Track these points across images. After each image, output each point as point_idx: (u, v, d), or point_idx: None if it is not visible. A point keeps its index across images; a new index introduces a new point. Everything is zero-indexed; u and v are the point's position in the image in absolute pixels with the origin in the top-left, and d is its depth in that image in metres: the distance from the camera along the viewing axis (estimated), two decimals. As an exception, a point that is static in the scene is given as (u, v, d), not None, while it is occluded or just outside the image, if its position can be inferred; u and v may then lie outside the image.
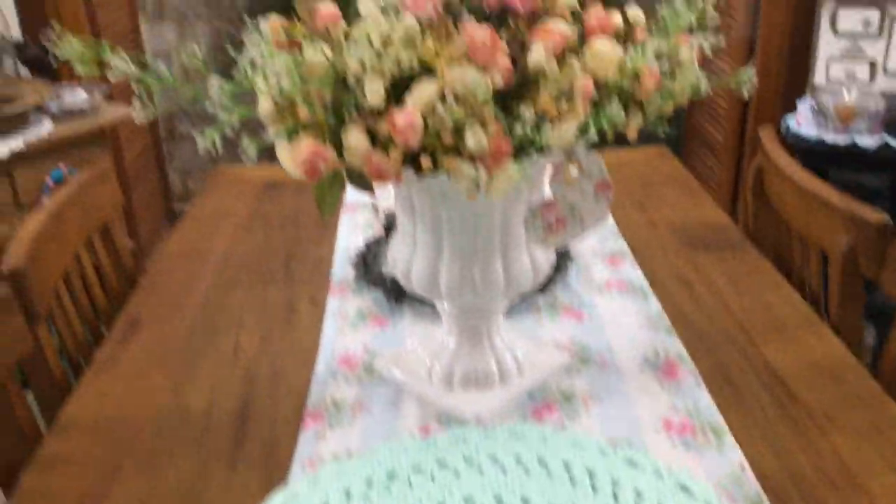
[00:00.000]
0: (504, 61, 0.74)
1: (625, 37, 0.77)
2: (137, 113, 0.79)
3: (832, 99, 2.13)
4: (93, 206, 1.38)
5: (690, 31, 0.80)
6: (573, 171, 0.84)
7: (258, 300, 1.26)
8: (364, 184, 0.84)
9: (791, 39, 2.53)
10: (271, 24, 0.88)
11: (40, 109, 2.16)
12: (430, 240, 0.90)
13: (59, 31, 0.78)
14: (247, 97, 0.81)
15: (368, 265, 1.30)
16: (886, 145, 2.08)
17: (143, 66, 0.80)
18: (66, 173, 2.07)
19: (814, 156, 2.13)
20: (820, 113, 2.17)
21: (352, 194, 1.68)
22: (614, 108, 0.75)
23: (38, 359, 1.11)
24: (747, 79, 0.86)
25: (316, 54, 0.75)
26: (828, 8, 2.25)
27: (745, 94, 0.87)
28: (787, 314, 1.17)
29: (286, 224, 1.54)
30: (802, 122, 2.21)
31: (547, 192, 0.88)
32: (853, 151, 2.10)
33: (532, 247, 0.92)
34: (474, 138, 0.70)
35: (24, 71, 2.35)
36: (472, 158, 0.72)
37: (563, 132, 0.74)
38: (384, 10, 0.72)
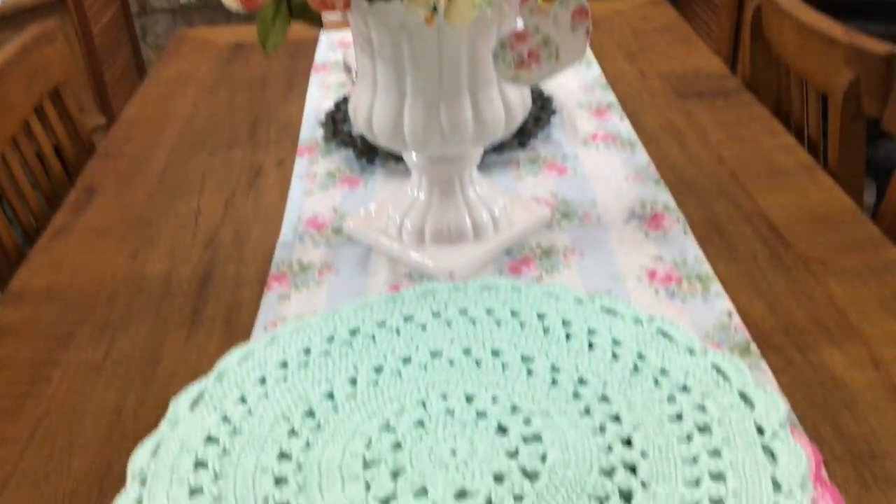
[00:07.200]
0: None
1: None
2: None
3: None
4: (38, 69, 1.29)
5: None
6: (546, -6, 0.75)
7: (222, 164, 1.18)
8: (310, 16, 0.75)
9: None
10: None
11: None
12: (392, 81, 0.82)
13: None
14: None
15: (338, 125, 1.22)
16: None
17: None
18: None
19: (820, 6, 2.00)
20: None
21: (322, 53, 1.58)
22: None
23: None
24: None
25: None
26: None
27: None
28: (784, 162, 1.09)
29: (253, 86, 1.44)
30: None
31: (519, 23, 0.79)
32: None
33: (504, 86, 0.84)
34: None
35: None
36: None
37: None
38: None
